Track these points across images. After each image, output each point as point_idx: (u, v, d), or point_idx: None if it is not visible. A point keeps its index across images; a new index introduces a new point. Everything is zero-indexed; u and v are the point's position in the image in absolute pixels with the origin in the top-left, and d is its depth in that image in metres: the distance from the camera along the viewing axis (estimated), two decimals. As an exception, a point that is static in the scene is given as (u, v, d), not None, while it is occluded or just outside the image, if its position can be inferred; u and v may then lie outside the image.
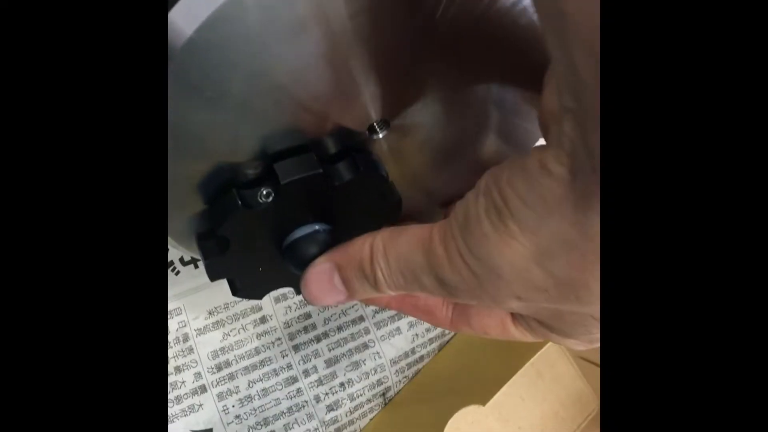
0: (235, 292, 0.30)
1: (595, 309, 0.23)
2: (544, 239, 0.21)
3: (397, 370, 0.40)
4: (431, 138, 0.31)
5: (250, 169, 0.26)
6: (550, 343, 0.40)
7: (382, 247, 0.26)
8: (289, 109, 0.25)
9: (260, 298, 0.32)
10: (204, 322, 0.36)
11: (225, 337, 0.36)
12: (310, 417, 0.38)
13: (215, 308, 0.36)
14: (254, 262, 0.29)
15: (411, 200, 0.32)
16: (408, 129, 0.29)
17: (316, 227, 0.29)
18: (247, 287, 0.31)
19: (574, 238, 0.21)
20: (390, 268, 0.26)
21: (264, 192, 0.26)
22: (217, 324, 0.36)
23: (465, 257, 0.23)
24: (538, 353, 0.40)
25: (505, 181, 0.22)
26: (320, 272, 0.27)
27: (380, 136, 0.28)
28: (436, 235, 0.25)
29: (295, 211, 0.28)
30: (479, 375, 0.39)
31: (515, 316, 0.28)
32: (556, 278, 0.22)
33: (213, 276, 0.29)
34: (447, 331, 0.41)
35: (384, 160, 0.29)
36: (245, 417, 0.36)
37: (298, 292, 0.29)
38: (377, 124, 0.28)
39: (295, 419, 0.37)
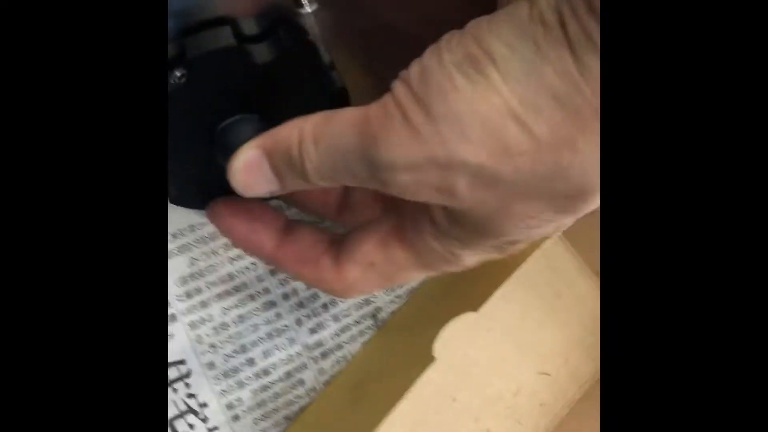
0: (171, 200, 0.29)
1: (575, 183, 0.21)
2: (531, 91, 0.20)
3: (387, 289, 0.38)
4: (381, 21, 0.29)
5: (164, 50, 0.25)
6: (549, 243, 0.38)
7: (312, 132, 0.24)
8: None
9: (202, 208, 0.31)
10: (167, 247, 0.35)
11: (193, 263, 0.35)
12: (291, 342, 0.36)
13: (179, 231, 0.35)
14: (184, 161, 0.28)
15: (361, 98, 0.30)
16: (350, 5, 0.27)
17: (249, 116, 0.27)
18: (185, 194, 0.29)
19: (565, 92, 0.19)
20: (319, 154, 0.24)
21: (177, 74, 0.25)
22: (183, 248, 0.35)
23: (415, 122, 0.21)
24: (540, 250, 0.37)
25: (485, 29, 0.20)
26: (248, 160, 0.26)
27: (308, 9, 0.26)
28: (373, 114, 0.23)
29: (218, 97, 0.26)
30: (473, 283, 0.37)
31: (409, 232, 0.27)
32: (535, 139, 0.20)
33: None
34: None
35: (325, 44, 0.27)
36: (220, 345, 0.35)
37: None
38: (305, -8, 0.26)
39: (275, 344, 0.36)
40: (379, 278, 0.28)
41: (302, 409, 0.37)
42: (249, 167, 0.25)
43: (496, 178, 0.21)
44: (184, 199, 0.29)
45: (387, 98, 0.23)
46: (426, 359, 0.34)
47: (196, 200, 0.30)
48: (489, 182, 0.21)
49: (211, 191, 0.29)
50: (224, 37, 0.24)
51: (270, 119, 0.27)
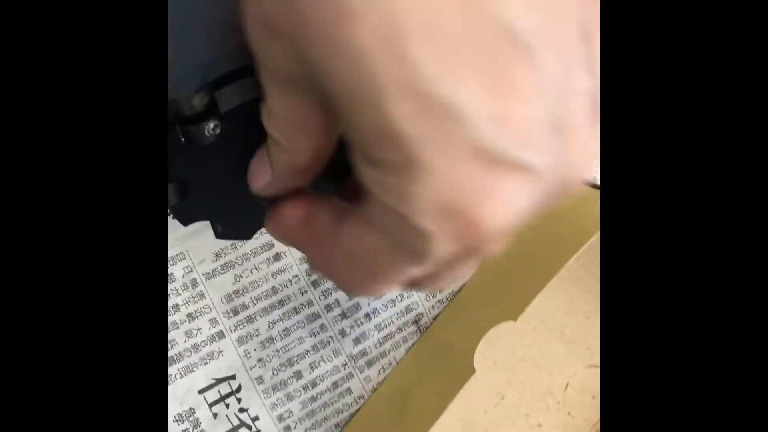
0: (218, 235, 0.31)
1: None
2: None
3: (427, 294, 0.40)
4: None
5: (195, 100, 0.27)
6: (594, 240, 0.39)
7: None
8: (219, 28, 0.25)
9: (248, 238, 0.33)
10: (212, 266, 0.37)
11: (237, 279, 0.38)
12: (336, 353, 0.39)
13: (221, 250, 0.37)
14: (227, 200, 0.30)
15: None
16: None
17: None
18: (231, 228, 0.31)
19: None
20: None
21: (211, 126, 0.26)
22: (227, 266, 0.37)
23: None
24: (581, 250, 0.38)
25: None
26: (260, 152, 0.27)
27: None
28: None
29: (254, 141, 0.28)
30: (513, 288, 0.38)
31: None
32: None
33: (184, 220, 0.30)
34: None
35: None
36: (268, 359, 0.38)
37: None
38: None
39: (321, 356, 0.38)
40: None
41: (351, 416, 0.39)
42: (259, 158, 0.27)
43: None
44: (229, 233, 0.31)
45: None
46: (469, 364, 0.36)
47: (242, 232, 0.32)
48: None
49: (255, 223, 0.31)
50: (251, 89, 0.26)
51: None
